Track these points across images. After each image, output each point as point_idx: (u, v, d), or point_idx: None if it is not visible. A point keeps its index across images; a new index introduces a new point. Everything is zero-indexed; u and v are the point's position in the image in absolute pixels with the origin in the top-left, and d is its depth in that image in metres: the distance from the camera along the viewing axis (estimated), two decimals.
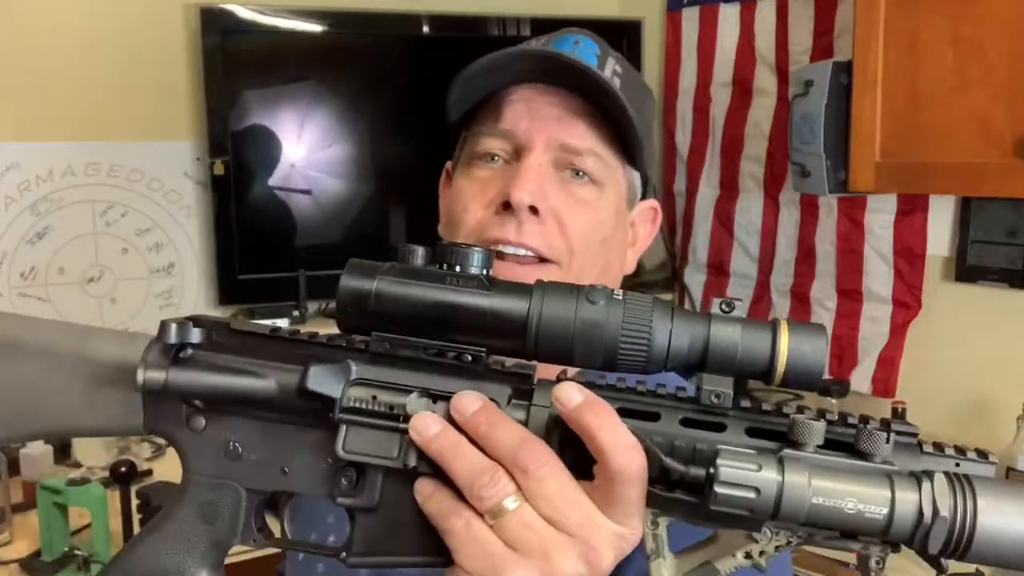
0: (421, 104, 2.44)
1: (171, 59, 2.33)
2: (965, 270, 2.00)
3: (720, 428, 0.50)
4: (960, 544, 0.46)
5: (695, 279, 2.64)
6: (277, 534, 0.59)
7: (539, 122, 0.80)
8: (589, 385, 0.52)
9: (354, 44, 2.45)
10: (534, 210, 0.77)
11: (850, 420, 0.50)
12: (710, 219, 2.60)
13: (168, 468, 1.99)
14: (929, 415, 2.02)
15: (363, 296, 0.52)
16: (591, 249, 0.80)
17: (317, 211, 2.43)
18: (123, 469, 1.72)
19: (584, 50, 0.82)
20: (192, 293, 2.42)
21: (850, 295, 2.23)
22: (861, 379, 2.17)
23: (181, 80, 2.34)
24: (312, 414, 0.53)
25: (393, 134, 2.48)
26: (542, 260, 0.78)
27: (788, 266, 2.39)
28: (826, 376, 2.20)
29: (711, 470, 0.46)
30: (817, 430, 0.47)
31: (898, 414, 1.91)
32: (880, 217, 2.14)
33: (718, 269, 2.59)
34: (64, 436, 0.54)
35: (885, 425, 0.49)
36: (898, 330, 2.12)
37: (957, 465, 0.49)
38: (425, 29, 2.47)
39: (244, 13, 2.29)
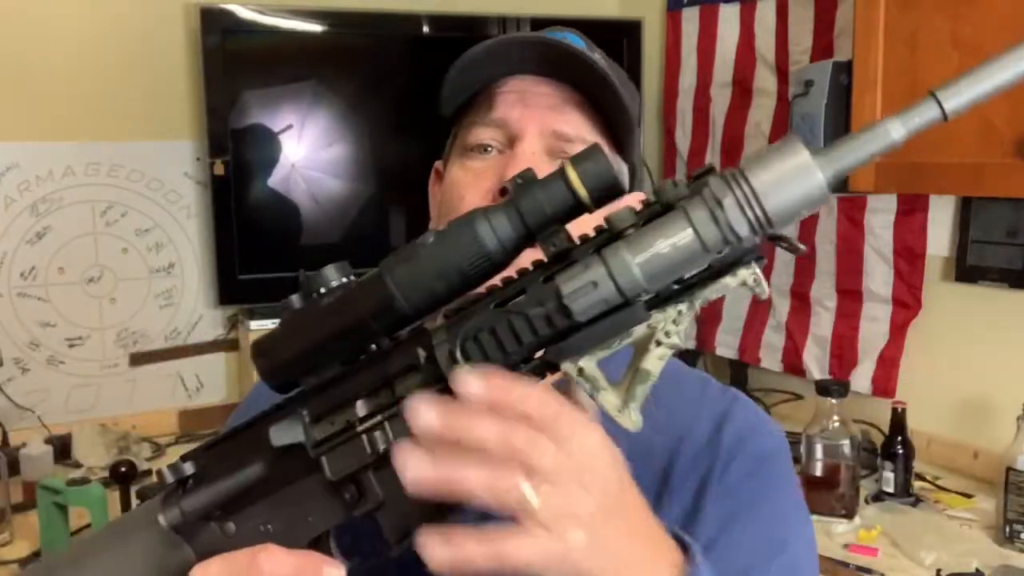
0: (421, 104, 2.43)
1: (171, 59, 2.33)
2: (965, 270, 2.00)
3: (571, 266, 0.54)
4: (759, 219, 0.50)
5: None
6: None
7: (531, 111, 0.81)
8: (470, 304, 0.56)
9: (354, 44, 2.46)
10: None
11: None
12: None
13: None
14: (929, 415, 2.02)
15: (275, 359, 0.60)
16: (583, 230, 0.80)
17: (317, 211, 2.43)
18: (123, 469, 1.72)
19: (572, 42, 0.83)
20: (192, 293, 2.42)
21: (850, 295, 2.23)
22: (861, 379, 2.17)
23: (181, 80, 2.35)
24: (298, 467, 0.59)
25: (393, 134, 2.48)
26: None
27: (788, 266, 2.38)
28: (826, 376, 2.20)
29: (559, 296, 0.51)
30: (623, 216, 0.52)
31: (898, 414, 1.91)
32: (880, 217, 2.14)
33: None
34: None
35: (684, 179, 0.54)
36: (898, 330, 2.12)
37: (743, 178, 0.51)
38: (425, 29, 2.47)
39: (244, 13, 2.29)
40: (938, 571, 1.57)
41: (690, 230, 0.51)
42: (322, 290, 0.59)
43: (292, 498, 0.60)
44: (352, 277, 0.59)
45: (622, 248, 0.51)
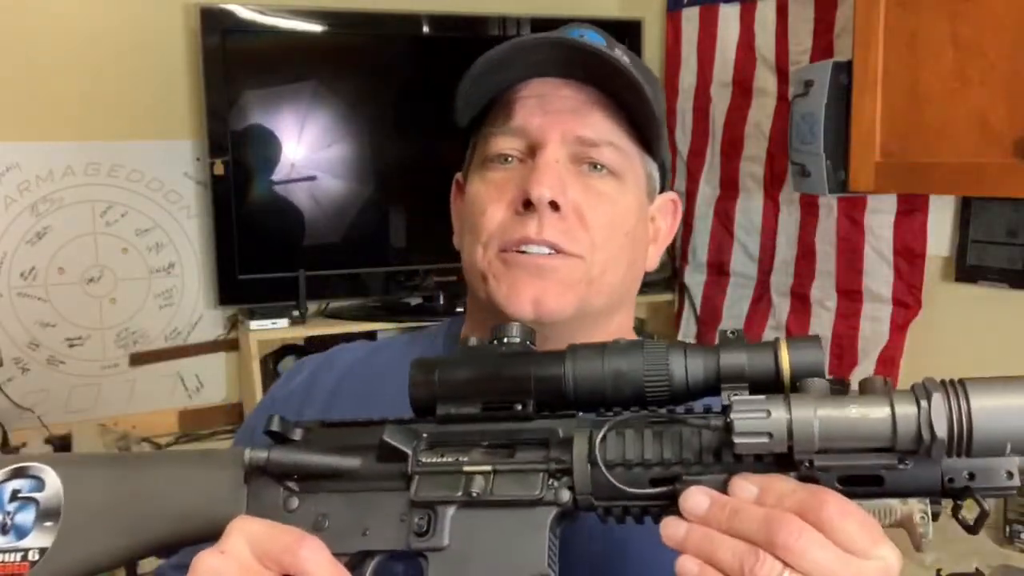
0: (421, 104, 2.44)
1: (171, 59, 2.33)
2: (965, 270, 2.00)
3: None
4: (962, 442, 0.49)
5: (695, 279, 2.65)
6: None
7: (552, 116, 0.78)
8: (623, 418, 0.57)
9: (354, 44, 2.45)
10: (555, 206, 0.76)
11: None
12: (710, 219, 2.60)
13: None
14: None
15: (430, 382, 0.60)
16: (614, 243, 0.79)
17: (317, 211, 2.43)
18: None
19: (590, 40, 0.80)
20: (192, 293, 2.42)
21: (850, 295, 2.23)
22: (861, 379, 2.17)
23: (181, 80, 2.35)
24: (390, 477, 0.59)
25: (393, 134, 2.48)
26: (560, 253, 0.77)
27: (788, 266, 2.38)
28: (826, 376, 2.20)
29: (728, 418, 0.51)
30: (819, 385, 0.53)
31: None
32: (880, 217, 2.14)
33: (718, 269, 2.59)
34: (180, 542, 0.65)
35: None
36: (898, 330, 2.12)
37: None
38: (425, 29, 2.47)
39: (244, 13, 2.29)
40: (938, 571, 1.56)
41: (887, 409, 0.50)
42: (505, 340, 0.60)
43: (364, 505, 0.59)
44: (532, 344, 0.61)
45: (812, 404, 0.51)
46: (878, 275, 2.16)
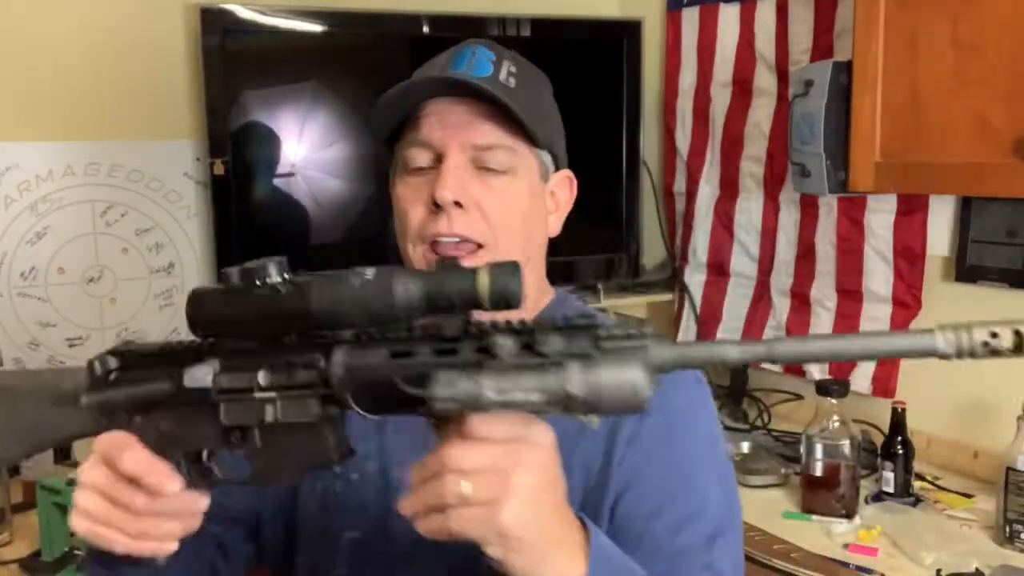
0: None
1: (171, 59, 2.33)
2: (965, 270, 2.00)
3: (454, 352, 0.67)
4: (592, 407, 0.62)
5: (695, 279, 2.65)
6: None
7: (450, 129, 0.96)
8: (369, 339, 0.71)
9: (354, 44, 2.45)
10: (458, 204, 0.95)
11: (557, 324, 0.66)
12: (710, 219, 2.60)
13: None
14: (929, 415, 2.02)
15: (200, 314, 0.75)
16: (513, 227, 0.98)
17: (317, 211, 2.43)
18: None
19: (480, 59, 0.98)
20: None
21: (850, 295, 2.23)
22: (861, 379, 2.17)
23: (181, 80, 2.34)
24: (199, 398, 0.74)
25: None
26: (477, 245, 0.96)
27: (788, 266, 2.39)
28: (826, 376, 2.20)
29: (431, 389, 0.64)
30: (509, 346, 0.64)
31: (898, 414, 1.91)
32: (880, 217, 2.14)
33: (718, 269, 2.59)
34: (44, 448, 0.91)
35: (591, 324, 0.65)
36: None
37: (626, 340, 0.64)
38: (425, 29, 2.47)
39: (244, 13, 2.28)
40: (938, 571, 1.57)
41: (539, 396, 0.63)
42: (263, 281, 0.72)
43: (188, 416, 0.75)
44: (287, 276, 0.73)
45: (490, 378, 0.63)
46: (878, 275, 2.16)
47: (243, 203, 2.33)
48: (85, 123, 2.27)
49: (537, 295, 1.05)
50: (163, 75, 2.32)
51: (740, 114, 2.49)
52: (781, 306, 2.41)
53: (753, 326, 2.48)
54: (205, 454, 0.78)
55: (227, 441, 0.75)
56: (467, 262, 0.92)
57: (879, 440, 1.98)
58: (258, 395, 0.72)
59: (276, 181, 2.38)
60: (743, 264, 2.52)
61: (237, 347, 0.74)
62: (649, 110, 2.71)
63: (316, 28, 2.38)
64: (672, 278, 2.73)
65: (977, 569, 1.57)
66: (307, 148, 2.40)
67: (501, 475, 0.65)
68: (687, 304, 2.66)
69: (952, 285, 2.03)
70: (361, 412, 0.70)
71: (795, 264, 2.37)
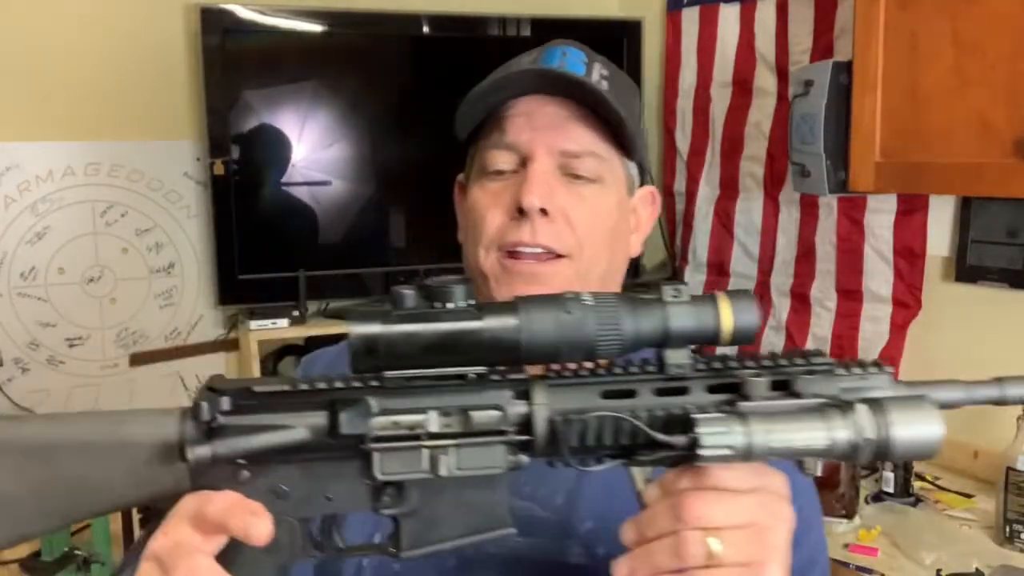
0: (421, 104, 2.44)
1: (171, 59, 2.33)
2: (965, 270, 1.99)
3: (685, 391, 0.60)
4: (882, 454, 0.57)
5: (695, 279, 2.64)
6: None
7: (539, 132, 0.88)
8: (575, 376, 0.61)
9: (354, 44, 2.45)
10: (544, 212, 0.86)
11: (780, 362, 0.62)
12: (710, 219, 2.60)
13: None
14: None
15: (375, 341, 0.59)
16: (598, 240, 0.89)
17: (317, 211, 2.43)
18: None
19: (572, 59, 0.89)
20: (192, 293, 2.42)
21: (850, 295, 2.23)
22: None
23: (181, 80, 2.35)
24: (344, 448, 0.60)
25: (393, 134, 2.48)
26: (557, 256, 0.87)
27: (788, 266, 2.39)
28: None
29: (694, 436, 0.56)
30: (762, 384, 0.59)
31: None
32: (880, 217, 2.14)
33: (718, 269, 2.59)
34: (115, 511, 0.68)
35: (805, 358, 0.62)
36: (898, 330, 2.12)
37: (863, 379, 0.61)
38: (425, 29, 2.47)
39: (244, 13, 2.29)
40: (938, 571, 1.56)
41: (825, 443, 0.57)
42: (444, 305, 0.59)
43: (323, 472, 0.61)
44: (473, 302, 0.60)
45: (765, 423, 0.57)
46: (878, 275, 2.16)
47: (243, 203, 2.33)
48: (85, 123, 2.27)
49: None
50: (163, 75, 2.33)
51: (740, 114, 2.48)
52: (781, 306, 2.41)
53: None
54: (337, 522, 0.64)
55: (376, 500, 0.61)
56: (545, 270, 0.86)
57: None
58: (428, 442, 0.59)
59: (276, 181, 2.38)
60: (743, 264, 2.52)
61: (398, 384, 0.60)
62: (649, 110, 2.71)
63: (316, 28, 2.38)
64: (672, 278, 2.73)
65: (977, 569, 1.57)
66: (307, 148, 2.40)
67: (758, 532, 0.58)
68: None
69: (952, 285, 2.03)
70: (573, 463, 0.60)
71: (795, 264, 2.37)
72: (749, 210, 2.49)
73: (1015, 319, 1.91)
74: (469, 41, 2.50)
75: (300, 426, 0.60)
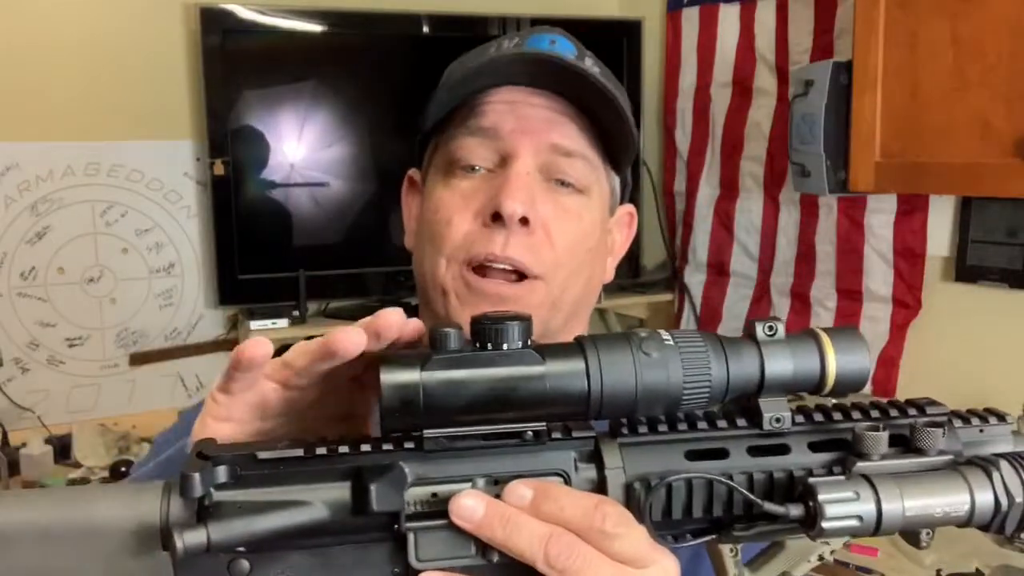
0: (421, 104, 2.44)
1: (171, 59, 2.33)
2: (965, 270, 2.00)
3: (785, 450, 0.51)
4: None
5: (695, 279, 2.64)
6: None
7: (525, 123, 0.75)
8: (652, 432, 0.51)
9: (354, 44, 2.45)
10: (524, 221, 0.73)
11: (891, 413, 0.53)
12: (710, 219, 2.60)
13: None
14: None
15: (411, 392, 0.47)
16: (577, 261, 0.77)
17: (317, 211, 2.43)
18: (123, 469, 1.72)
19: (561, 49, 0.77)
20: (192, 293, 2.42)
21: (850, 295, 2.23)
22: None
23: (181, 80, 2.35)
24: (371, 529, 0.48)
25: (393, 134, 2.48)
26: (524, 277, 0.74)
27: (788, 266, 2.39)
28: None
29: (812, 505, 0.47)
30: (882, 440, 0.49)
31: None
32: (880, 217, 2.14)
33: (718, 269, 2.59)
34: None
35: (918, 408, 0.53)
36: (898, 330, 2.12)
37: (981, 431, 0.53)
38: (425, 29, 2.47)
39: (244, 13, 2.29)
40: (938, 571, 1.57)
41: (967, 508, 0.49)
42: (505, 347, 0.48)
43: (344, 561, 0.49)
44: (531, 342, 0.49)
45: (897, 488, 0.48)
46: (878, 275, 2.16)
47: (243, 203, 2.33)
48: (85, 123, 2.27)
49: None
50: (163, 75, 2.33)
51: (740, 114, 2.48)
52: (781, 306, 2.41)
53: None
54: None
55: None
56: (515, 292, 0.73)
57: None
58: None
59: (276, 181, 2.38)
60: (743, 264, 2.52)
61: (439, 446, 0.49)
62: (649, 110, 2.71)
63: (316, 28, 2.38)
64: (672, 278, 2.73)
65: (977, 569, 1.57)
66: (307, 148, 2.40)
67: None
68: (687, 304, 2.66)
69: (952, 285, 2.03)
70: (664, 539, 0.50)
71: (795, 264, 2.37)
72: (749, 210, 2.49)
73: (1015, 319, 1.91)
74: (469, 41, 2.48)
75: (317, 502, 0.48)
